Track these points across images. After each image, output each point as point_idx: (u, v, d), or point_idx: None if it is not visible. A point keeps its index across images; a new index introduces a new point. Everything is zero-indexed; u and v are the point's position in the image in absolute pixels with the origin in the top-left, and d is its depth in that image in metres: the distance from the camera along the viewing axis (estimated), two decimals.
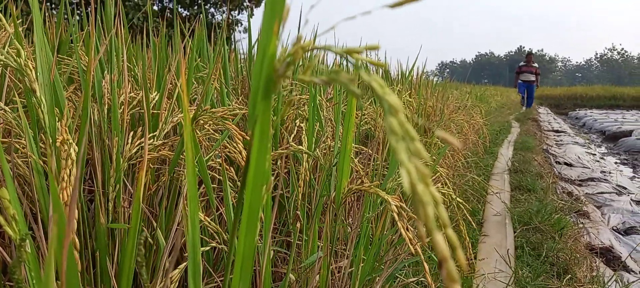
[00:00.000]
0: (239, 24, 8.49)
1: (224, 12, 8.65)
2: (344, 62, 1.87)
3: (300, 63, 1.46)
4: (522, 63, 11.54)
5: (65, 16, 1.06)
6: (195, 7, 8.31)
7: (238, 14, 8.78)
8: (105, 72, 0.86)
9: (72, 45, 1.08)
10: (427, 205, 0.19)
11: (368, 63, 0.26)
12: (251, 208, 0.32)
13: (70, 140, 0.58)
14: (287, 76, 0.28)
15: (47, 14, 1.15)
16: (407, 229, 0.68)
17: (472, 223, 1.44)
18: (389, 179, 0.79)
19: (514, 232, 2.02)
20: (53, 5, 6.40)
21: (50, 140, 0.61)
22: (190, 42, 0.99)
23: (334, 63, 1.54)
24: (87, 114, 0.66)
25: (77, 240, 0.48)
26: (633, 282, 1.65)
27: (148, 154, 0.75)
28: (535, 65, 11.33)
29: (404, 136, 0.21)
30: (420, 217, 0.19)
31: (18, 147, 0.67)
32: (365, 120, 1.37)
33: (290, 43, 0.28)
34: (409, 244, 0.60)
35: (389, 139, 0.21)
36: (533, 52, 11.76)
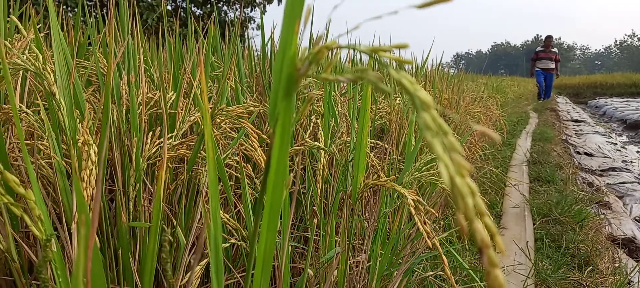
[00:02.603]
0: (252, 21, 8.51)
1: (236, 10, 8.67)
2: (357, 59, 1.86)
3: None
4: (539, 48, 9.89)
5: (83, 19, 1.08)
6: (208, 6, 8.35)
7: (251, 11, 8.80)
8: (123, 73, 0.88)
9: (90, 48, 1.10)
10: (466, 196, 0.20)
11: (395, 61, 0.26)
12: (272, 207, 0.32)
13: (91, 141, 0.59)
14: (309, 75, 0.28)
15: (64, 17, 1.17)
16: (425, 223, 0.68)
17: (490, 216, 1.43)
18: (406, 173, 0.79)
19: (534, 224, 2.00)
20: (69, 8, 6.49)
21: (71, 142, 0.62)
22: (204, 41, 0.99)
23: (346, 60, 1.54)
24: (107, 116, 0.68)
25: (97, 238, 0.49)
26: None
27: (166, 153, 0.76)
28: (555, 50, 9.76)
29: (438, 131, 0.22)
30: (459, 208, 0.20)
31: (41, 148, 0.69)
32: (380, 114, 1.37)
33: (314, 42, 0.28)
34: (427, 238, 0.60)
35: (424, 134, 0.22)
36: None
